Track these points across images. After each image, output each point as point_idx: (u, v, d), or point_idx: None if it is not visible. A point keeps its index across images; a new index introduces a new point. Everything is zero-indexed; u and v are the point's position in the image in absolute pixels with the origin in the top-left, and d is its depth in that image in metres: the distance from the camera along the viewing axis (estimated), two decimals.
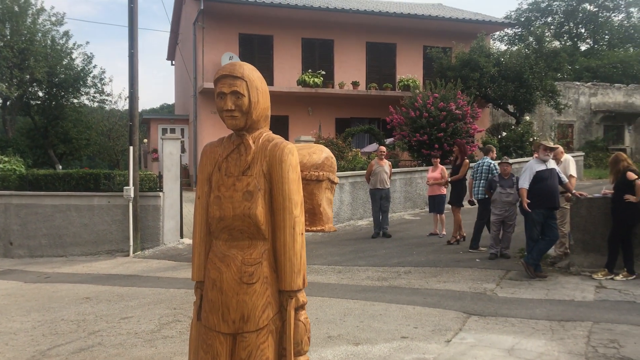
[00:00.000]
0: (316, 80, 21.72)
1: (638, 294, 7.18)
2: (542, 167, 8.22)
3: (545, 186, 8.15)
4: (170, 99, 63.73)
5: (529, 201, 8.11)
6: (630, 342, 5.46)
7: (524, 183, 8.18)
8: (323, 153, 3.24)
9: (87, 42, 26.90)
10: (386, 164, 12.13)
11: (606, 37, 36.86)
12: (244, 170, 2.78)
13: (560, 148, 8.99)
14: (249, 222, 2.73)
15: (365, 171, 14.71)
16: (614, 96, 27.73)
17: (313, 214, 3.15)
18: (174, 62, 32.53)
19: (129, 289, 9.06)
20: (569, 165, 9.01)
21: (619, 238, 7.96)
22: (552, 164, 8.37)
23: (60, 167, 21.56)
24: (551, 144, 8.37)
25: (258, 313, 2.72)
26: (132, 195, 12.42)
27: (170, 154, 13.06)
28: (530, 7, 38.77)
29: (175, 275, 10.09)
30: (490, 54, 20.63)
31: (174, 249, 12.60)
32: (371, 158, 15.67)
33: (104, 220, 12.70)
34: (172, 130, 25.11)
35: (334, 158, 3.30)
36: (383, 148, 11.93)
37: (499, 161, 9.98)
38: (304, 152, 3.14)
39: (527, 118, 21.40)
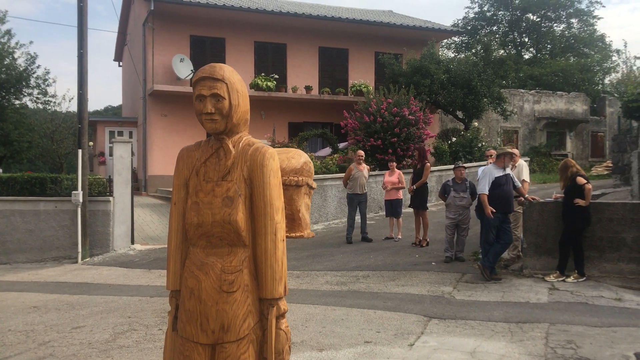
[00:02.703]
0: (269, 84, 21.63)
1: (589, 295, 7.43)
2: (500, 173, 8.40)
3: (502, 191, 8.35)
4: (116, 101, 62.23)
5: (493, 210, 8.26)
6: (587, 342, 5.62)
7: (484, 189, 8.34)
8: (302, 158, 3.21)
9: (31, 42, 25.79)
10: (365, 169, 11.83)
11: (548, 46, 38.19)
12: (223, 175, 2.71)
13: (517, 152, 9.24)
14: (229, 229, 2.65)
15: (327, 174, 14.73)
16: (556, 103, 28.75)
17: (292, 220, 3.12)
18: (121, 64, 31.76)
19: (79, 297, 8.75)
20: (523, 170, 9.26)
21: (569, 241, 8.22)
22: (507, 169, 8.58)
23: (1, 170, 20.67)
24: (516, 151, 8.59)
25: (239, 322, 2.64)
26: (81, 200, 12.01)
27: (121, 158, 12.71)
28: (477, 16, 39.81)
29: (128, 283, 9.81)
30: (440, 61, 21.03)
31: (125, 255, 12.26)
32: (324, 163, 15.68)
33: (50, 225, 12.24)
34: (120, 133, 24.52)
35: (312, 163, 3.26)
36: (361, 152, 11.68)
37: (454, 165, 10.16)
38: (282, 156, 3.11)
39: (476, 124, 21.91)
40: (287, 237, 2.88)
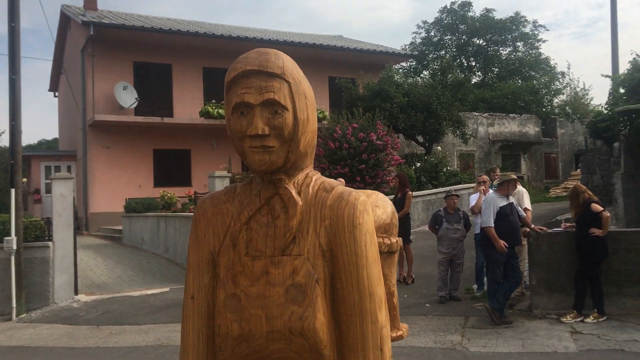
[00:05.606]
0: (220, 111, 20.39)
1: (621, 340, 6.50)
2: (504, 202, 7.46)
3: (508, 223, 7.40)
4: (50, 134, 59.15)
5: (505, 244, 7.28)
6: None
7: (489, 220, 7.35)
8: (388, 206, 2.04)
9: None
10: None
11: (495, 69, 38.57)
12: (285, 245, 1.52)
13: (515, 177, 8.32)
14: (301, 345, 1.47)
15: None
16: (510, 126, 28.63)
17: None
18: (57, 94, 29.78)
19: None
20: (524, 197, 8.37)
21: (586, 276, 7.33)
22: (511, 197, 7.66)
23: None
24: (513, 176, 7.67)
25: None
26: (15, 247, 10.37)
27: (62, 197, 11.15)
28: (424, 41, 39.87)
29: (73, 344, 8.30)
30: (399, 84, 20.36)
31: (68, 308, 10.64)
32: None
33: None
34: (58, 168, 22.59)
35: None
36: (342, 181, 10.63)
37: (445, 194, 9.21)
38: None
39: (439, 148, 21.27)
40: None
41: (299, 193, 1.59)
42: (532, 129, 29.11)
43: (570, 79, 42.89)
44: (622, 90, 14.47)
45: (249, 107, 1.53)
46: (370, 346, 1.51)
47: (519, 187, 8.44)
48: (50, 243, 11.01)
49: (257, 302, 1.50)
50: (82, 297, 11.23)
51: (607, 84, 16.13)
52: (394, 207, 2.10)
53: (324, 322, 1.48)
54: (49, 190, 16.83)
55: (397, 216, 2.09)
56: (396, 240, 2.05)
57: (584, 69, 74.43)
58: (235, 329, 1.50)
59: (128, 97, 20.20)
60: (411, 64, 37.96)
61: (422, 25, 40.71)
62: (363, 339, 1.51)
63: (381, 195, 2.07)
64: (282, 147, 1.54)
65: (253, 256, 1.55)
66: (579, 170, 22.79)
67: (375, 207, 1.93)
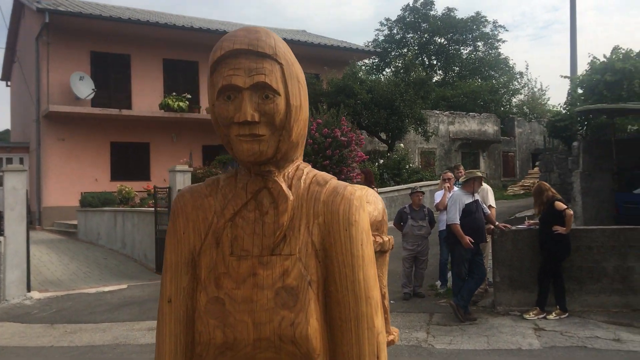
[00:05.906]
0: (181, 104, 20.00)
1: (583, 336, 6.58)
2: (470, 199, 7.47)
3: (473, 220, 7.41)
4: (1, 126, 57.17)
5: (471, 239, 7.27)
6: None
7: (455, 218, 7.34)
8: (379, 202, 1.92)
9: None
10: None
11: (456, 68, 39.03)
12: (274, 244, 1.39)
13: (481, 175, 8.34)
14: (292, 353, 1.34)
15: None
16: (469, 124, 29.01)
17: None
18: (9, 83, 28.71)
19: None
20: (488, 194, 8.40)
21: (549, 273, 7.40)
22: (476, 195, 7.68)
23: None
24: (479, 174, 7.68)
25: None
26: None
27: (14, 190, 10.71)
28: (387, 38, 40.02)
29: (26, 343, 7.96)
30: (363, 80, 20.35)
31: (20, 306, 10.23)
32: None
33: None
34: (9, 160, 21.75)
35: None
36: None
37: (410, 191, 9.19)
38: None
39: (402, 145, 21.36)
40: None
41: (289, 187, 1.45)
42: (491, 127, 29.58)
43: (528, 79, 43.86)
44: (580, 91, 14.77)
45: (236, 91, 1.38)
46: (366, 353, 1.38)
47: (484, 185, 8.47)
48: (1, 238, 10.56)
49: (243, 306, 1.36)
50: (35, 294, 10.81)
51: (564, 84, 16.48)
52: (384, 203, 2.00)
53: (317, 328, 1.35)
54: (0, 183, 16.18)
55: (385, 212, 1.98)
56: (388, 239, 1.94)
57: (540, 69, 76.27)
58: (218, 336, 1.35)
59: (84, 88, 19.60)
60: (374, 61, 38.06)
61: (384, 22, 40.91)
62: (359, 345, 1.39)
63: (371, 190, 1.95)
64: (273, 136, 1.40)
65: (239, 256, 1.41)
66: (536, 169, 23.27)
67: (366, 203, 1.81)
